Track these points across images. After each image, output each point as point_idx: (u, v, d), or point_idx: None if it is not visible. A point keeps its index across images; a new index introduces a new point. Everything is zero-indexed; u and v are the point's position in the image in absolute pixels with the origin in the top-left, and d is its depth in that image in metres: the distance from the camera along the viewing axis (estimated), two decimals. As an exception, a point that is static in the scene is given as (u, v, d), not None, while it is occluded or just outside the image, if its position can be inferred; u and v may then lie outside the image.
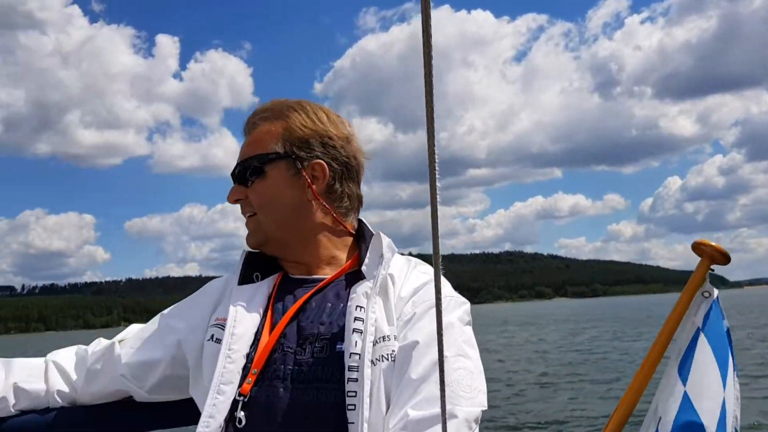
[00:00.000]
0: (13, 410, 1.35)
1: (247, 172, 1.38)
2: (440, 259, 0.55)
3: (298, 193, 1.37)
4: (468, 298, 1.36)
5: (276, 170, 1.37)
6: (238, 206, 1.45)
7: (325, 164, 1.37)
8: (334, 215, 1.41)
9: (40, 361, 1.44)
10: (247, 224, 1.43)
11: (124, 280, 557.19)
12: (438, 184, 0.49)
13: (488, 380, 1.24)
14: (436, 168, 0.49)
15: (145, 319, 1.46)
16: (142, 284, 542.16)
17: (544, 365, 18.99)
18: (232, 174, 1.41)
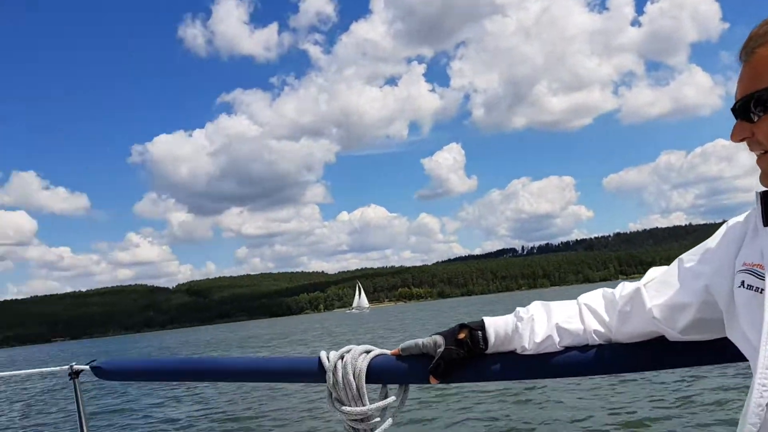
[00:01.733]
0: (558, 347, 1.53)
1: (752, 107, 1.21)
2: None
3: None
4: None
5: None
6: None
7: None
8: None
9: (573, 303, 1.57)
10: (758, 162, 1.26)
11: (611, 234, 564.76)
12: None
13: None
14: None
15: (641, 272, 1.36)
16: (629, 237, 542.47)
17: None
18: (733, 109, 1.26)
